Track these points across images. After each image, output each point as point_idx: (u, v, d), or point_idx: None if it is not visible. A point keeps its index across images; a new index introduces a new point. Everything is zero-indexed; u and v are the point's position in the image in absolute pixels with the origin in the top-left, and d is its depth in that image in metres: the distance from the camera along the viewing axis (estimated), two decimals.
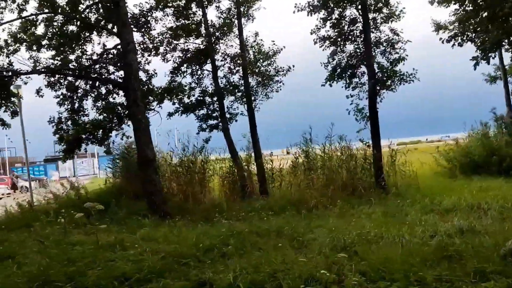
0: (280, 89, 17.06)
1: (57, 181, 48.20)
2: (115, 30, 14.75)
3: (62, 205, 14.52)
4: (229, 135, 16.10)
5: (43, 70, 14.77)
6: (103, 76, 15.59)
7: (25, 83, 16.45)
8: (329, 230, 8.83)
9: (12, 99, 17.00)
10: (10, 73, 15.02)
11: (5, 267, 6.38)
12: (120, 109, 16.91)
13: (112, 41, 15.95)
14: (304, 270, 5.47)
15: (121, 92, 16.21)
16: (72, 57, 16.28)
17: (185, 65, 16.92)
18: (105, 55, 15.35)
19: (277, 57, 16.32)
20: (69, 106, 17.12)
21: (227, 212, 12.18)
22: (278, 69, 16.41)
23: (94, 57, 16.06)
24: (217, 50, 16.75)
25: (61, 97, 17.03)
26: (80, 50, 15.92)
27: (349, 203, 12.76)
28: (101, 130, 16.93)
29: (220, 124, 16.76)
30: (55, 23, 15.95)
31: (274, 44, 16.46)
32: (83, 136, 16.78)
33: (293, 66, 16.25)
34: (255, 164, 16.22)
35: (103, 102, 17.23)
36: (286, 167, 16.57)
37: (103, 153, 17.71)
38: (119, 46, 14.10)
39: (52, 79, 16.72)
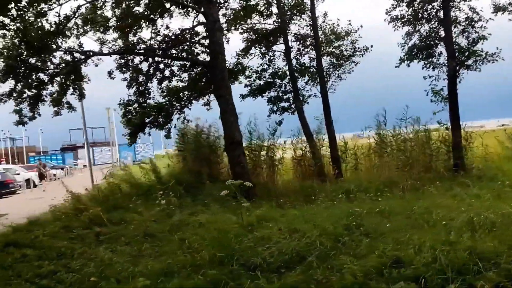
0: (352, 71, 16.64)
1: (81, 169, 48.94)
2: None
3: (140, 188, 14.62)
4: (303, 116, 15.85)
5: (125, 50, 14.70)
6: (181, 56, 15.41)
7: (96, 65, 16.53)
8: (447, 210, 8.52)
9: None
10: (89, 54, 15.00)
11: (169, 242, 6.36)
12: (184, 93, 16.89)
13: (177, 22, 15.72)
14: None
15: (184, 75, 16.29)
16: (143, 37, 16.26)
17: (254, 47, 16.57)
18: (180, 36, 15.16)
19: (353, 36, 15.79)
20: (137, 89, 17.15)
21: (318, 194, 12.01)
22: (355, 49, 15.87)
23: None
24: (289, 31, 16.37)
25: (128, 79, 17.05)
26: (153, 30, 15.77)
27: (441, 185, 12.40)
28: (164, 114, 16.93)
29: (293, 106, 16.48)
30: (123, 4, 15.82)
31: (349, 24, 15.99)
32: (147, 120, 16.83)
33: (371, 46, 15.78)
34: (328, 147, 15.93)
35: (169, 85, 17.23)
36: (360, 150, 16.28)
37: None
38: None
39: (122, 61, 16.77)
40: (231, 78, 16.94)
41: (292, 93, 16.50)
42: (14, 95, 14.66)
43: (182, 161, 17.90)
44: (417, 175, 13.64)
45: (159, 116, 17.05)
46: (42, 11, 12.64)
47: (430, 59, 15.73)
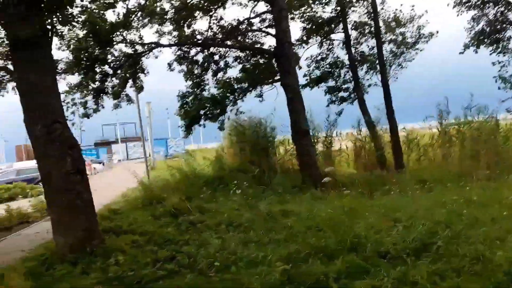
0: (413, 59, 16.12)
1: (116, 164, 49.62)
2: None
3: (203, 178, 14.70)
4: (365, 106, 15.50)
5: (187, 41, 14.76)
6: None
7: (156, 57, 16.70)
8: None
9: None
10: (151, 46, 15.15)
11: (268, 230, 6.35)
12: (237, 84, 16.87)
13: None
14: None
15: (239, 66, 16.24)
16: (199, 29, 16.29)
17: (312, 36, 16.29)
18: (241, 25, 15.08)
19: (418, 22, 15.25)
20: (192, 81, 17.25)
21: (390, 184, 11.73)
22: (420, 35, 15.33)
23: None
24: (348, 18, 16.01)
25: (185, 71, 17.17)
26: (212, 21, 15.75)
27: None
28: (219, 106, 16.96)
29: (352, 95, 16.16)
30: None
31: (412, 9, 15.47)
32: (201, 112, 16.91)
33: (437, 32, 15.21)
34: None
35: (223, 77, 17.25)
36: (423, 140, 15.79)
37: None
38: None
39: (179, 52, 16.89)
40: None
41: (351, 83, 16.16)
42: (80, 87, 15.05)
43: (240, 153, 17.88)
44: (486, 165, 13.14)
45: (214, 108, 17.14)
46: (111, 1, 12.80)
47: (499, 44, 15.05)
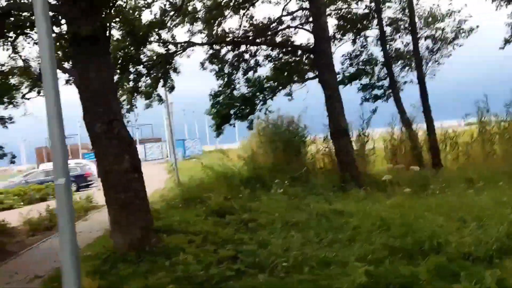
0: (450, 55, 15.67)
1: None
2: None
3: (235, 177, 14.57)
4: (401, 103, 15.11)
5: (223, 40, 14.66)
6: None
7: (188, 56, 16.64)
8: None
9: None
10: (184, 45, 15.09)
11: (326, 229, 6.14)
12: (267, 83, 16.73)
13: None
14: None
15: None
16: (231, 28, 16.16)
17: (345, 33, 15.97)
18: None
19: (458, 16, 14.79)
20: (224, 80, 17.14)
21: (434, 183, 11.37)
22: (459, 30, 14.86)
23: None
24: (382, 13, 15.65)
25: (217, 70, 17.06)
26: (246, 19, 15.59)
27: None
28: (249, 105, 16.84)
29: (386, 93, 15.81)
30: None
31: (450, 3, 15.02)
32: (232, 111, 16.81)
33: (477, 26, 14.73)
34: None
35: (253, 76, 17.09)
36: (461, 138, 15.34)
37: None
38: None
39: (211, 51, 16.80)
40: None
41: (387, 80, 15.79)
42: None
43: (272, 152, 17.70)
44: None
45: (244, 107, 17.05)
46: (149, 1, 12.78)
47: None
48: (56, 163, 3.04)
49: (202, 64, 16.42)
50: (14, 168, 73.16)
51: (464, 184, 10.72)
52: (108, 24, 6.43)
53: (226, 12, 16.06)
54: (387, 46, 16.09)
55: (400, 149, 15.56)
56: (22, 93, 11.84)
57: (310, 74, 16.28)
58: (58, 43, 11.14)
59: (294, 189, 11.44)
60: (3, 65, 10.52)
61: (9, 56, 10.76)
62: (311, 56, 15.41)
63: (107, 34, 6.54)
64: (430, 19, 15.38)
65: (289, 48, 14.47)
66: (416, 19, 15.74)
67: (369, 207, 7.79)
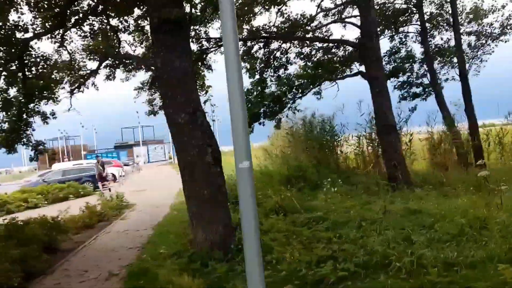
0: (493, 51, 15.28)
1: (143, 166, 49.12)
2: None
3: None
4: (443, 101, 14.72)
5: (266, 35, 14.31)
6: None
7: (222, 53, 16.28)
8: None
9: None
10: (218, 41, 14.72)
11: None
12: (294, 81, 16.41)
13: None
14: None
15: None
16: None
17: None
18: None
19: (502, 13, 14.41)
20: (255, 78, 16.79)
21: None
22: (504, 26, 14.47)
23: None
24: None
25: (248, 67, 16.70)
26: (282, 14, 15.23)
27: None
28: (279, 103, 16.51)
29: (426, 90, 15.43)
30: None
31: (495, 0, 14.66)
32: (261, 109, 16.48)
33: None
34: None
35: (285, 73, 16.75)
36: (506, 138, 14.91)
37: None
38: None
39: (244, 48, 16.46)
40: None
41: (427, 77, 15.43)
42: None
43: (304, 152, 17.33)
44: None
45: (274, 106, 16.72)
46: None
47: None
48: (238, 146, 2.77)
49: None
50: (14, 169, 72.91)
51: None
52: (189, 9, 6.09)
53: (258, 8, 15.77)
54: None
55: (440, 148, 15.16)
56: (63, 88, 11.55)
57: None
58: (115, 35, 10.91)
59: (344, 188, 11.11)
60: (49, 59, 10.24)
61: (56, 49, 10.52)
62: (346, 52, 15.13)
63: (188, 20, 6.19)
64: (473, 15, 14.98)
65: (334, 44, 13.97)
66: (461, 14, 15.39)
67: (448, 205, 7.39)
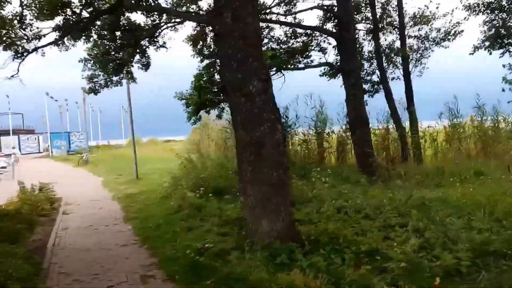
0: (429, 56, 16.57)
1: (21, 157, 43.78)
2: None
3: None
4: (392, 99, 15.45)
5: None
6: None
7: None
8: None
9: None
10: None
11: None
12: None
13: None
14: None
15: None
16: None
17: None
18: None
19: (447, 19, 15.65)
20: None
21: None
22: (448, 33, 15.70)
23: None
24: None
25: None
26: None
27: None
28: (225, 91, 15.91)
29: (375, 87, 16.11)
30: None
31: (437, 8, 15.84)
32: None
33: (462, 31, 15.74)
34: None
35: None
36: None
37: None
38: None
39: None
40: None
41: (376, 74, 16.10)
42: None
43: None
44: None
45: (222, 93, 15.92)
46: None
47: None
48: None
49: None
50: None
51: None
52: None
53: None
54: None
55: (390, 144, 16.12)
56: None
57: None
58: None
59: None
60: None
61: None
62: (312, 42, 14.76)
63: None
64: (418, 19, 16.03)
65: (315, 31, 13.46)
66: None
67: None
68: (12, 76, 8.96)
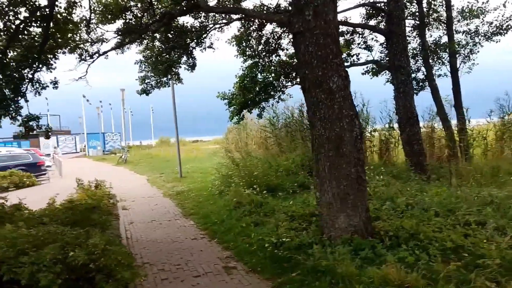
0: (478, 51, 16.09)
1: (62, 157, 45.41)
2: None
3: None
4: (439, 96, 15.14)
5: None
6: None
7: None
8: None
9: None
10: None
11: None
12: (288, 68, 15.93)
13: None
14: None
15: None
16: None
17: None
18: None
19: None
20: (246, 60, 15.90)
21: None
22: (500, 27, 15.22)
23: None
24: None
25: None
26: None
27: None
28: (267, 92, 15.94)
29: (420, 84, 15.81)
30: None
31: (487, 2, 15.37)
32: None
33: None
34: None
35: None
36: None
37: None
38: None
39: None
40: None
41: (419, 73, 15.82)
42: None
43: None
44: None
45: (264, 93, 16.03)
46: None
47: None
48: None
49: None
50: None
51: None
52: None
53: None
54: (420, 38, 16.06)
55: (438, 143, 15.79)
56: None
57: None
58: None
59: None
60: None
61: None
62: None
63: None
64: (467, 13, 15.59)
65: (365, 28, 13.42)
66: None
67: None
68: (80, 77, 9.39)
